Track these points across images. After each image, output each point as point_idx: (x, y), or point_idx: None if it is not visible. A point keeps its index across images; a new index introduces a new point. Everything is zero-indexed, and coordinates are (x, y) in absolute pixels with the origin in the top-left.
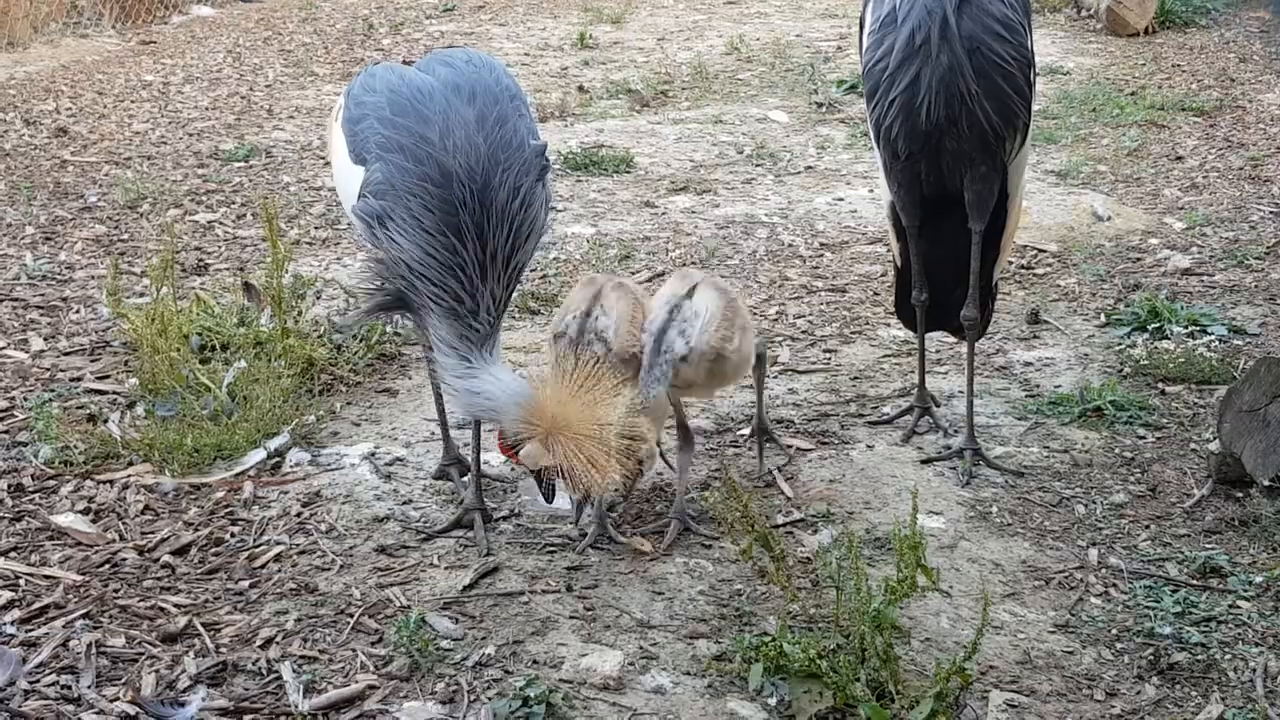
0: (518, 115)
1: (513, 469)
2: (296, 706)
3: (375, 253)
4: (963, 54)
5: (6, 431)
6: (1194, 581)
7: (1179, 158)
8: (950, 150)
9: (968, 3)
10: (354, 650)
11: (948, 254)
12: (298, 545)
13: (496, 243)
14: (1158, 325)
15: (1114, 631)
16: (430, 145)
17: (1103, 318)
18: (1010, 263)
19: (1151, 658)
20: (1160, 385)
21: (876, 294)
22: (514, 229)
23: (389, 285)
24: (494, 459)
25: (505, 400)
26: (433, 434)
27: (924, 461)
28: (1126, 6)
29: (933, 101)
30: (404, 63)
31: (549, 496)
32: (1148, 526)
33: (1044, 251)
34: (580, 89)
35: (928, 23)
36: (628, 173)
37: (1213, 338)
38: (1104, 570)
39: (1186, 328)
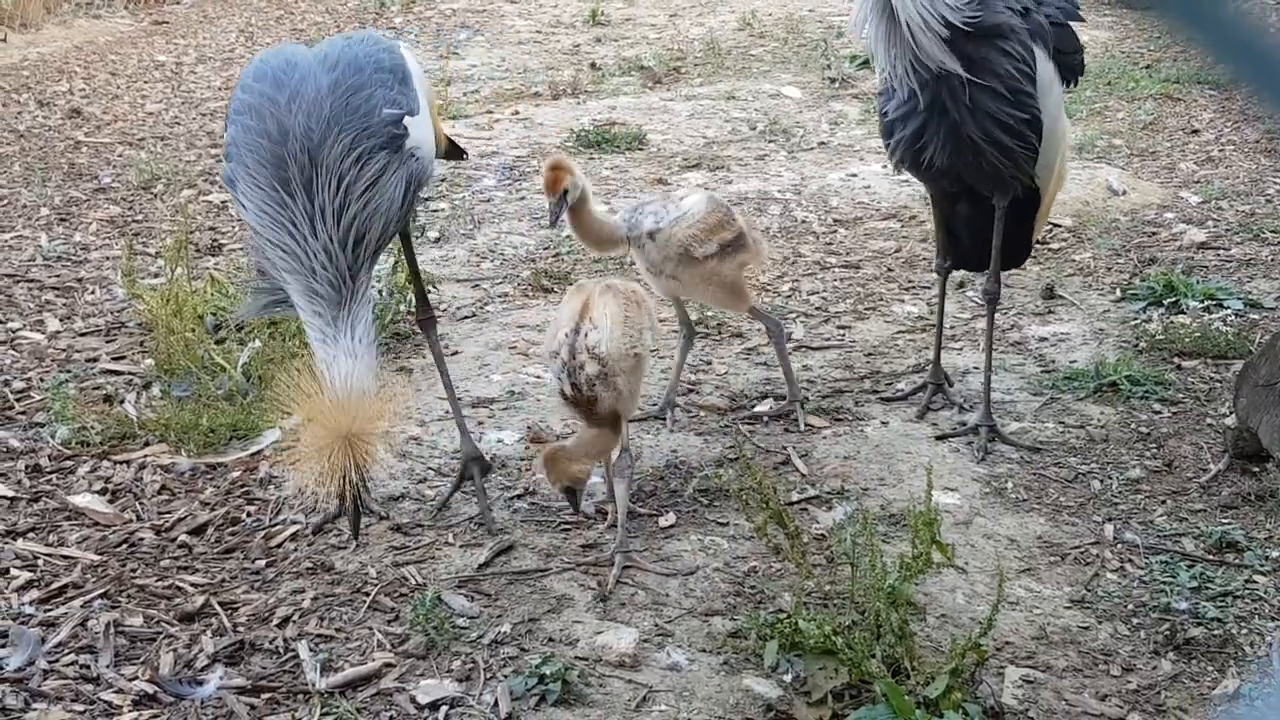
0: (379, 85)
1: (526, 448)
2: (314, 685)
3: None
4: (970, 119)
5: (24, 412)
6: (1210, 556)
7: (1194, 131)
8: (965, 173)
9: (977, 81)
10: (370, 629)
11: (976, 214)
12: (311, 523)
13: (324, 196)
14: (1173, 300)
15: (1130, 607)
16: (276, 106)
17: (1118, 292)
18: None
19: (1168, 633)
20: (1176, 360)
21: (890, 270)
22: (344, 185)
23: (263, 266)
24: (507, 438)
25: (345, 385)
26: (446, 413)
27: (939, 438)
28: None
29: (938, 149)
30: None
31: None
32: (1164, 501)
33: (1059, 226)
34: (592, 66)
35: (935, 88)
36: (640, 150)
37: (1229, 312)
38: (1120, 545)
39: (1202, 302)
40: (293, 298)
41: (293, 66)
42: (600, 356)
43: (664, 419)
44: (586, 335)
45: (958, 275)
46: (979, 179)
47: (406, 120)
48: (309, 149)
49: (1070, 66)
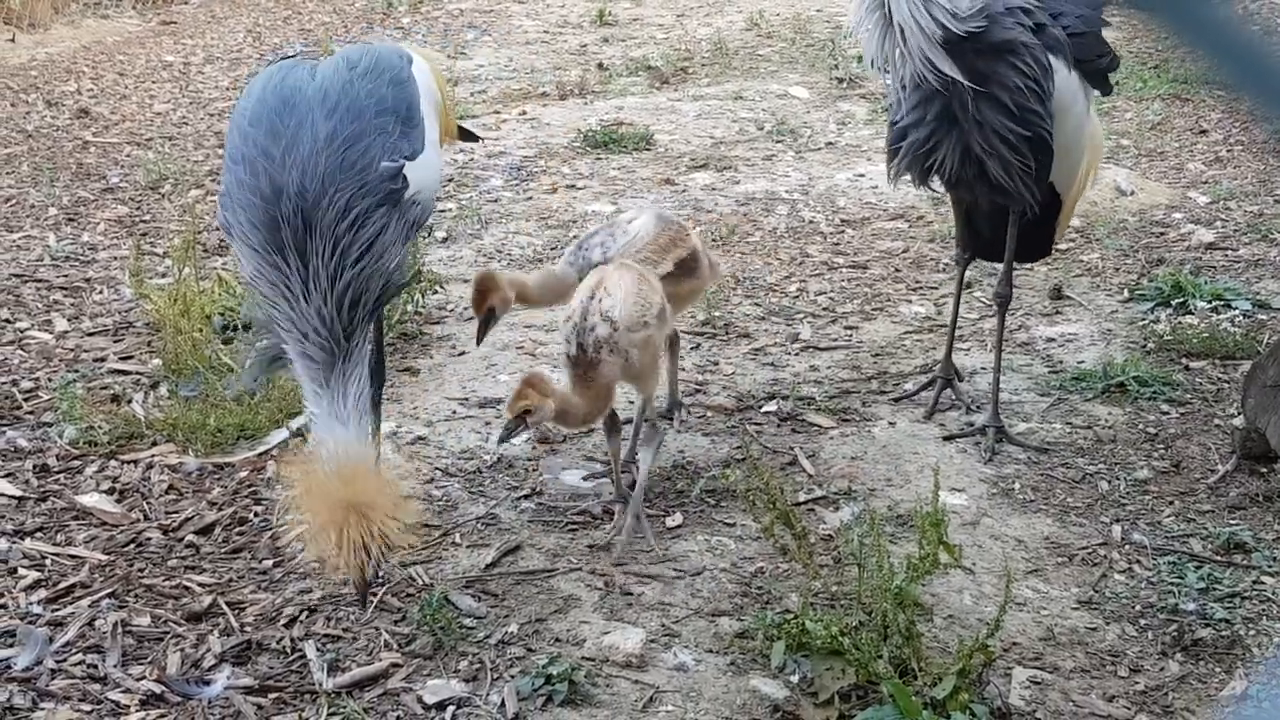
0: (379, 133)
1: (534, 448)
2: (321, 684)
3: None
4: (976, 132)
5: (32, 412)
6: (1218, 557)
7: (1203, 131)
8: (973, 185)
9: (984, 93)
10: (377, 629)
11: (995, 211)
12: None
13: (319, 261)
14: (1181, 300)
15: (1138, 608)
16: (270, 160)
17: (1126, 293)
18: None
19: (1175, 634)
20: (1184, 360)
21: (898, 270)
22: (339, 248)
23: (262, 321)
24: (515, 440)
25: (329, 454)
26: (454, 413)
27: (947, 438)
28: None
29: (948, 157)
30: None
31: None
32: (1171, 502)
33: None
34: (600, 66)
35: (945, 98)
36: (647, 150)
37: (1237, 312)
38: (1127, 546)
39: (1210, 302)
40: (294, 363)
41: (290, 109)
42: (612, 320)
43: (671, 419)
44: (600, 300)
45: (967, 276)
46: (985, 191)
47: (408, 169)
48: (302, 210)
49: (1097, 73)
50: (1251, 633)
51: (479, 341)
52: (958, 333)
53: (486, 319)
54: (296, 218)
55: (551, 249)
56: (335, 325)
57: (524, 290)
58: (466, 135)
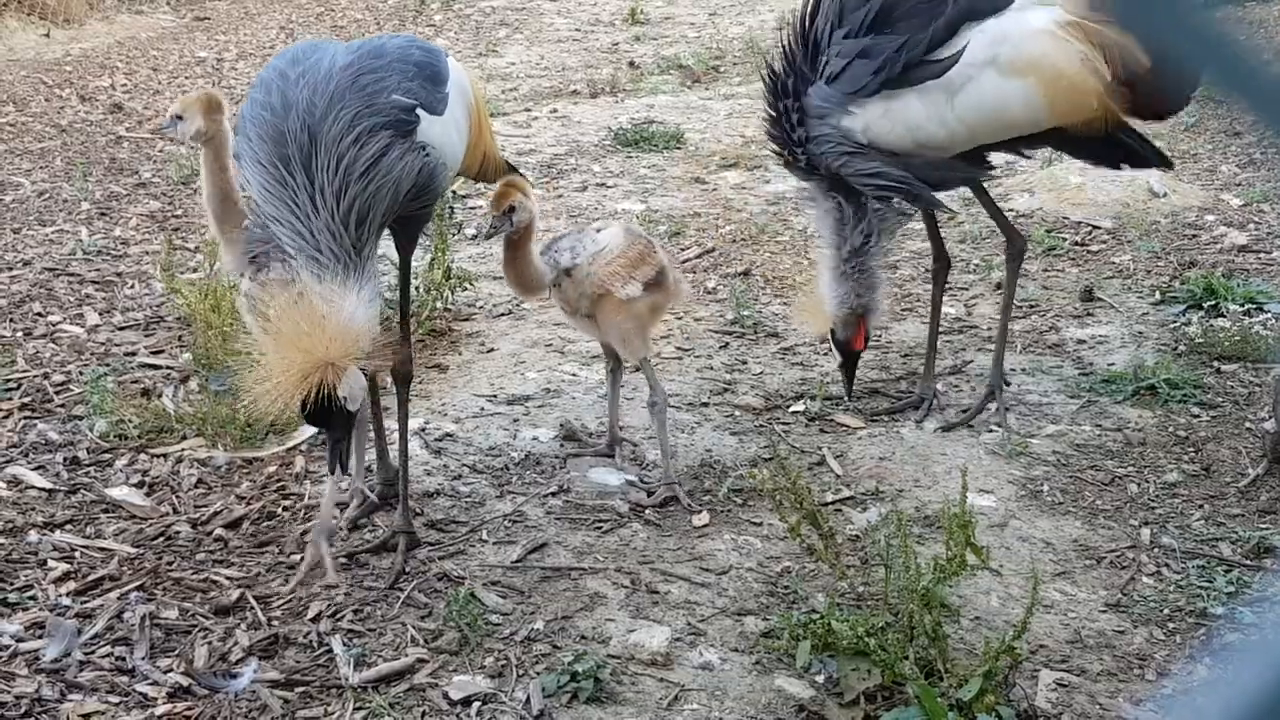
0: (396, 74)
1: (562, 445)
2: (347, 679)
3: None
4: None
5: (63, 405)
6: (1248, 561)
7: (1237, 134)
8: None
9: None
10: (404, 624)
11: None
12: (346, 518)
13: (325, 176)
14: (1213, 303)
15: (1166, 611)
16: (285, 80)
17: (1157, 295)
18: (1064, 239)
19: (1204, 638)
20: (1215, 363)
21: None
22: (343, 164)
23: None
24: (542, 435)
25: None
26: (481, 410)
27: (945, 429)
28: None
29: None
30: None
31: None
32: (1201, 506)
33: (1098, 228)
34: (631, 64)
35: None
36: (678, 149)
37: (1269, 315)
38: (1156, 550)
39: (1243, 305)
40: (300, 274)
41: (316, 49)
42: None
43: (611, 455)
44: (599, 231)
45: (994, 278)
46: None
47: (421, 113)
48: (309, 125)
49: None
50: None
51: (486, 238)
52: (988, 331)
53: (503, 218)
54: (303, 133)
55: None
56: (344, 239)
57: (530, 236)
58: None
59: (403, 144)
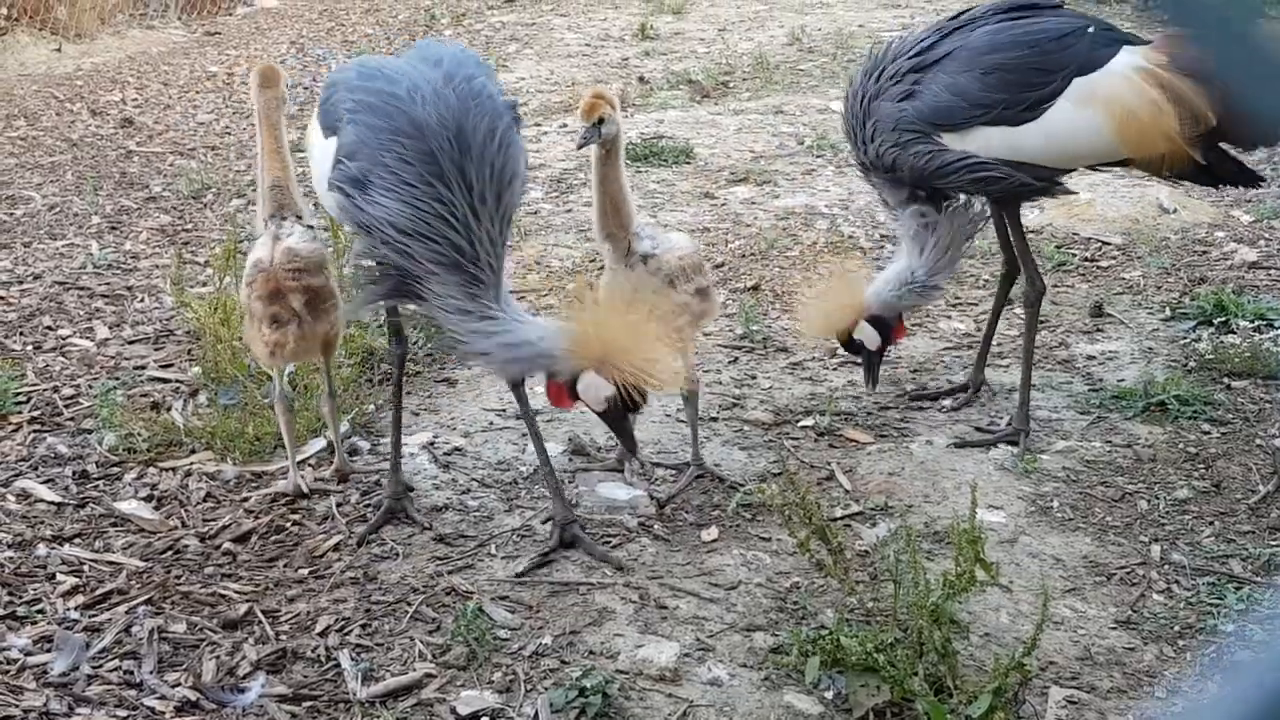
0: (486, 76)
1: (570, 459)
2: (355, 694)
3: (358, 229)
4: None
5: (72, 419)
6: (1258, 578)
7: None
8: None
9: None
10: (412, 638)
11: None
12: (357, 533)
13: (482, 184)
14: (1223, 319)
15: (1176, 629)
16: (399, 101)
17: (1168, 311)
18: (1074, 254)
19: (1214, 655)
20: (1225, 380)
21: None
22: (495, 170)
23: (384, 263)
24: (550, 449)
25: (550, 341)
26: (491, 424)
27: (958, 445)
28: None
29: None
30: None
31: (631, 442)
32: (1211, 523)
33: (1108, 244)
34: (641, 79)
35: None
36: (687, 163)
37: (1279, 332)
38: (1166, 566)
39: (1253, 322)
40: (446, 297)
41: (391, 67)
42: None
43: (620, 469)
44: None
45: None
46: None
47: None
48: (452, 138)
49: None
50: None
51: (579, 148)
52: (998, 349)
53: (593, 129)
54: (452, 147)
55: (590, 261)
56: (499, 245)
57: (618, 150)
58: None
59: (519, 138)
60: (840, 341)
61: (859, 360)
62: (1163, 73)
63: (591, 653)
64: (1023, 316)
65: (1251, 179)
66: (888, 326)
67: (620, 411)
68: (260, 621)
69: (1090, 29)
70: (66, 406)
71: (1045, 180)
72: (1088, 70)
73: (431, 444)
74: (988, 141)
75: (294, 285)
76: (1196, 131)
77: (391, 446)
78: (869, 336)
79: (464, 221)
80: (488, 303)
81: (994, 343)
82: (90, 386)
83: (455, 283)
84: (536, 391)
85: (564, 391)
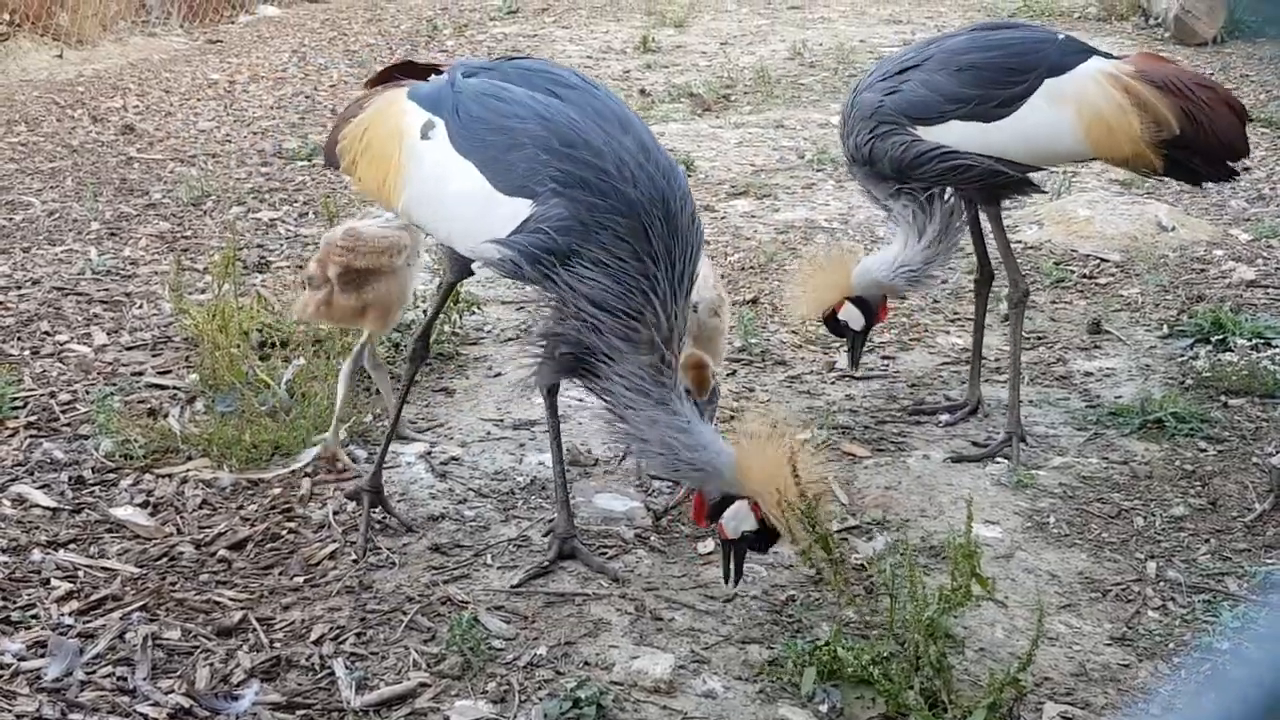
0: (654, 141)
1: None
2: (349, 703)
3: (547, 298)
4: None
5: (69, 425)
6: (1254, 597)
7: (1246, 169)
8: None
9: None
10: (406, 648)
11: None
12: (353, 542)
13: (683, 264)
14: (1221, 337)
15: (1171, 646)
16: (610, 177)
17: (1165, 329)
18: (1072, 271)
19: (1209, 673)
20: (1223, 398)
21: (936, 301)
22: (691, 248)
23: (560, 335)
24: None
25: (725, 459)
26: (488, 434)
27: (955, 459)
28: (1195, 15)
29: None
30: (435, 69)
31: (738, 577)
32: (1207, 540)
33: (1107, 261)
34: (642, 92)
35: None
36: (688, 176)
37: (1277, 350)
38: (1162, 583)
39: (1250, 340)
40: (627, 376)
41: (582, 125)
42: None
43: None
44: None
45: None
46: None
47: None
48: (661, 219)
49: None
50: None
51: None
52: (996, 364)
53: (709, 402)
54: (663, 225)
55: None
56: (684, 325)
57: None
58: None
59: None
60: (824, 320)
61: (856, 376)
62: (1130, 80)
63: (586, 664)
64: (1009, 329)
65: (1225, 173)
66: (871, 309)
67: (748, 547)
68: (254, 629)
69: (1061, 37)
70: (63, 412)
71: (1017, 173)
72: (1059, 72)
73: (428, 454)
74: (962, 135)
75: (336, 258)
76: (1160, 137)
77: (387, 429)
78: (853, 317)
79: (665, 300)
80: (672, 392)
81: (990, 358)
82: (87, 392)
83: (645, 363)
84: (535, 401)
85: (705, 509)
